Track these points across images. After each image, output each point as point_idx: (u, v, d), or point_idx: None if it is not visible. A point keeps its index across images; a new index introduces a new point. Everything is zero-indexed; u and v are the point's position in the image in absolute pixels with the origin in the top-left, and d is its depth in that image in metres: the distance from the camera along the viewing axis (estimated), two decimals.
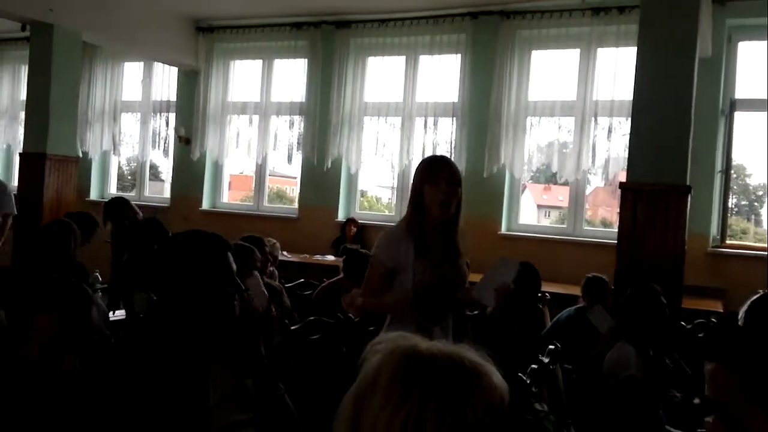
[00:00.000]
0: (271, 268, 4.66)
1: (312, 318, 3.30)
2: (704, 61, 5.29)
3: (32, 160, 6.61)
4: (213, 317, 1.90)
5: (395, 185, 7.53)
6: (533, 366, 2.55)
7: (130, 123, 8.71)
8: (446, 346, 0.97)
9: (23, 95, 7.79)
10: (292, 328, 3.13)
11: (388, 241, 2.46)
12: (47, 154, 6.54)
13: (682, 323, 3.97)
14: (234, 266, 1.95)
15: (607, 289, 4.18)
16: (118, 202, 5.22)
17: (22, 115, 7.89)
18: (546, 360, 2.67)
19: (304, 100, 7.54)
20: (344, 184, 7.50)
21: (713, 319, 4.04)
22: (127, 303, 4.05)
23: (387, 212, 7.81)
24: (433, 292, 2.43)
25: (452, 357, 0.95)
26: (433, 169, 2.44)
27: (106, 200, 5.32)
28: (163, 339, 1.85)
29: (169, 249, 1.96)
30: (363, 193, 8.08)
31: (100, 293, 4.15)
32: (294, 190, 8.33)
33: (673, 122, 4.28)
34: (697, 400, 3.17)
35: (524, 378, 2.43)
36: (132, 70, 8.75)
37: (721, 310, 4.88)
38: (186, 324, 1.87)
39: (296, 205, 7.84)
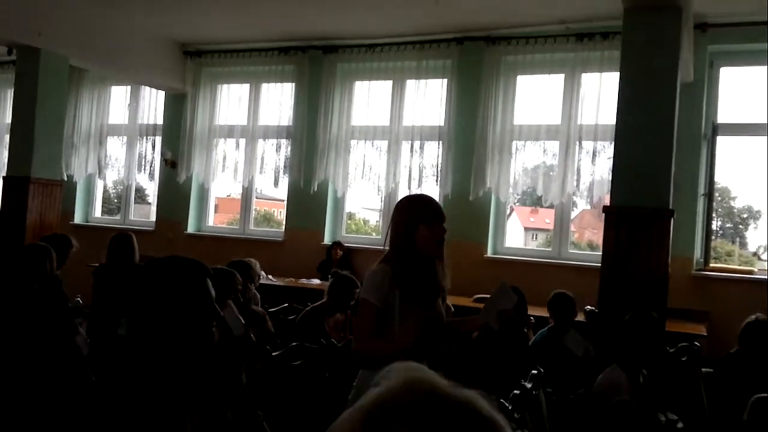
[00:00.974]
0: (253, 290, 4.62)
1: (294, 344, 3.27)
2: (686, 86, 5.36)
3: (16, 184, 6.57)
4: (191, 345, 1.87)
5: (382, 208, 7.55)
6: (515, 391, 2.54)
7: (116, 146, 8.68)
8: (463, 390, 0.94)
9: (8, 118, 7.76)
10: (274, 353, 3.10)
11: (375, 281, 2.43)
12: (31, 177, 6.50)
13: (666, 347, 3.97)
14: (213, 293, 1.92)
15: (572, 303, 4.21)
16: (126, 241, 5.10)
17: (7, 138, 7.85)
18: (529, 385, 2.66)
19: (291, 123, 7.57)
20: (331, 208, 7.49)
21: (696, 343, 4.04)
22: (105, 333, 3.99)
23: (375, 235, 7.81)
24: (419, 336, 2.41)
25: (469, 402, 0.92)
26: (431, 209, 2.49)
27: (114, 236, 5.16)
28: (139, 366, 1.82)
29: (146, 275, 1.94)
30: (350, 216, 8.08)
31: (81, 319, 4.09)
32: (281, 213, 8.32)
33: (656, 146, 4.31)
34: (680, 425, 3.17)
35: (506, 404, 2.41)
36: (119, 94, 8.76)
37: (705, 333, 4.89)
38: (163, 351, 1.84)
39: (283, 228, 7.82)
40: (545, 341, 4.07)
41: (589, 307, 4.83)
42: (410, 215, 2.47)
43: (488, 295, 4.33)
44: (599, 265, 4.45)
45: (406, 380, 0.89)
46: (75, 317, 3.82)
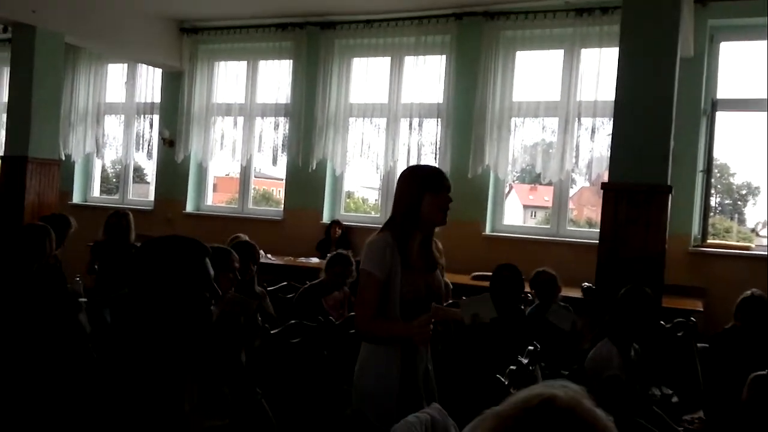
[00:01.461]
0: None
1: (293, 321, 3.29)
2: (686, 61, 5.32)
3: (13, 164, 6.56)
4: (189, 323, 1.88)
5: (381, 186, 7.54)
6: (512, 367, 2.56)
7: (113, 125, 8.65)
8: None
9: (5, 98, 7.72)
10: (273, 332, 3.12)
11: (378, 253, 2.40)
12: (29, 157, 6.49)
13: (662, 322, 3.99)
14: (212, 272, 1.93)
15: (555, 280, 4.23)
16: (123, 218, 5.13)
17: (4, 117, 7.82)
18: (525, 361, 2.68)
19: (289, 101, 7.53)
20: (329, 186, 7.49)
21: (692, 318, 4.06)
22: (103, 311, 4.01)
23: (374, 213, 7.81)
24: (419, 304, 2.41)
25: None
26: (438, 178, 2.50)
27: (111, 213, 5.22)
28: (138, 344, 1.84)
29: (145, 254, 1.94)
30: (349, 194, 8.07)
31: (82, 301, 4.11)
32: (280, 192, 8.31)
33: (655, 122, 4.29)
34: (675, 399, 3.20)
35: (503, 380, 2.43)
36: (115, 72, 8.70)
37: (701, 309, 4.92)
38: (162, 330, 1.85)
39: (282, 207, 7.82)
40: (531, 318, 4.10)
41: (586, 283, 4.85)
42: (417, 184, 2.46)
43: (487, 273, 4.36)
44: (597, 242, 4.46)
45: (566, 402, 0.90)
46: (76, 297, 3.83)
